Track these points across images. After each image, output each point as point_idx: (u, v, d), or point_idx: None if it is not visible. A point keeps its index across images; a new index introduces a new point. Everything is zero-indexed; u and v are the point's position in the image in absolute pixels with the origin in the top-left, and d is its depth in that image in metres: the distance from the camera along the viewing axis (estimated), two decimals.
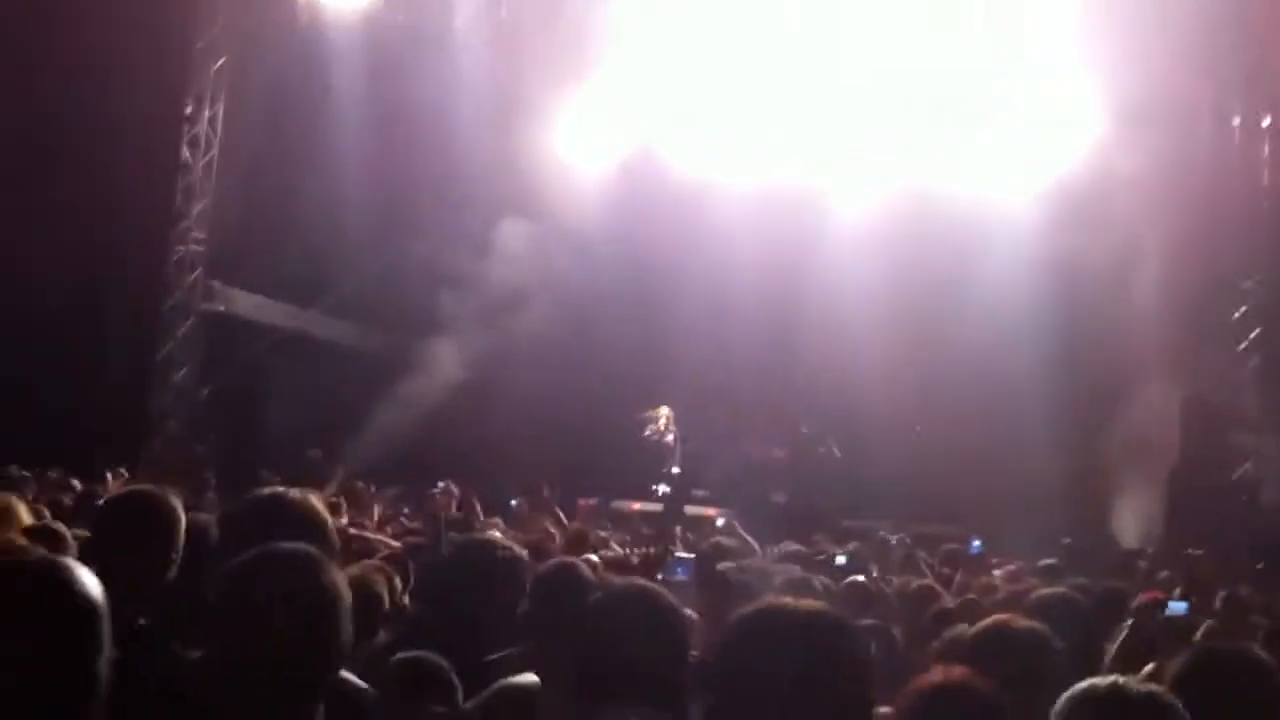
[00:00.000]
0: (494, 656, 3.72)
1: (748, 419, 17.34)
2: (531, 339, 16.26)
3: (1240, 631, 5.71)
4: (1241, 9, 14.98)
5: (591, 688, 2.79)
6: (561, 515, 11.21)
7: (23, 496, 6.05)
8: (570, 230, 16.20)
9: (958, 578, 8.13)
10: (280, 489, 3.26)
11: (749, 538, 8.37)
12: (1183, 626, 5.34)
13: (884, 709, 2.71)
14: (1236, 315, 14.87)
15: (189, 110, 16.69)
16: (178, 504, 3.57)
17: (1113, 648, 4.72)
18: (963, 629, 4.25)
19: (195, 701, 2.46)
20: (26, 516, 4.99)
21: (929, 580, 7.33)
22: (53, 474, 9.88)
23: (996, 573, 8.52)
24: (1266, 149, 15.16)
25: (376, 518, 9.54)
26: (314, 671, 2.31)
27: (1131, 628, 4.87)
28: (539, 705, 3.25)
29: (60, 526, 4.93)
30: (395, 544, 7.00)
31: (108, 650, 2.05)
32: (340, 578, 2.39)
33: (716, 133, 17.30)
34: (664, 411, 16.42)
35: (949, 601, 6.11)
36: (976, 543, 10.66)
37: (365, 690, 3.06)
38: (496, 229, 16.70)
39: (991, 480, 14.29)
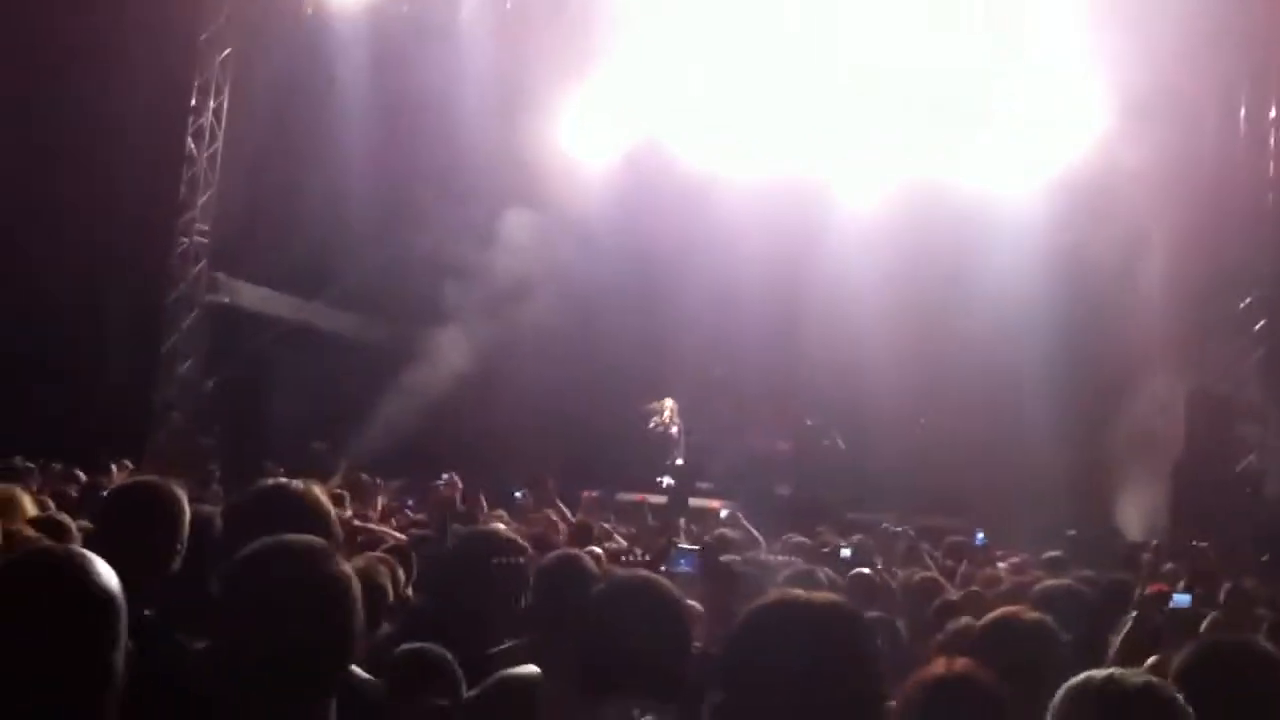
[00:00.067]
0: (497, 649, 3.72)
1: (752, 411, 17.33)
2: (535, 330, 16.26)
3: (1245, 624, 5.70)
4: (1247, 1, 14.94)
5: (594, 679, 2.79)
6: (564, 508, 11.20)
7: (27, 488, 6.05)
8: (575, 222, 16.20)
9: (961, 570, 8.13)
10: (284, 480, 3.26)
11: (753, 530, 8.37)
12: (1187, 619, 5.33)
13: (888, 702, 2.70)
14: (1242, 307, 14.83)
15: (193, 102, 16.68)
16: (182, 495, 3.57)
17: (1117, 640, 4.72)
18: (966, 621, 4.26)
19: (200, 693, 2.46)
20: (31, 508, 4.99)
21: (933, 573, 7.33)
22: (57, 466, 9.89)
23: (1001, 565, 8.52)
24: (1272, 141, 15.11)
25: (380, 509, 9.55)
26: (328, 664, 2.29)
27: (1136, 620, 4.87)
28: (541, 696, 3.25)
29: (65, 518, 4.93)
30: (400, 536, 7.00)
31: (124, 641, 2.07)
32: (349, 569, 2.39)
33: (721, 124, 17.27)
34: (668, 403, 16.41)
35: (953, 594, 6.11)
36: (980, 535, 10.65)
37: (370, 682, 3.06)
38: (501, 220, 16.70)
39: (996, 473, 14.29)
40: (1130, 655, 4.33)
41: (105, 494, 4.33)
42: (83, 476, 9.30)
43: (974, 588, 6.55)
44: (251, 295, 17.13)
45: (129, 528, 3.41)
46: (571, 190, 16.43)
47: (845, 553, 7.64)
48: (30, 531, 4.17)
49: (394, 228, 16.81)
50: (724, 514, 12.09)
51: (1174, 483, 13.68)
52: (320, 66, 16.35)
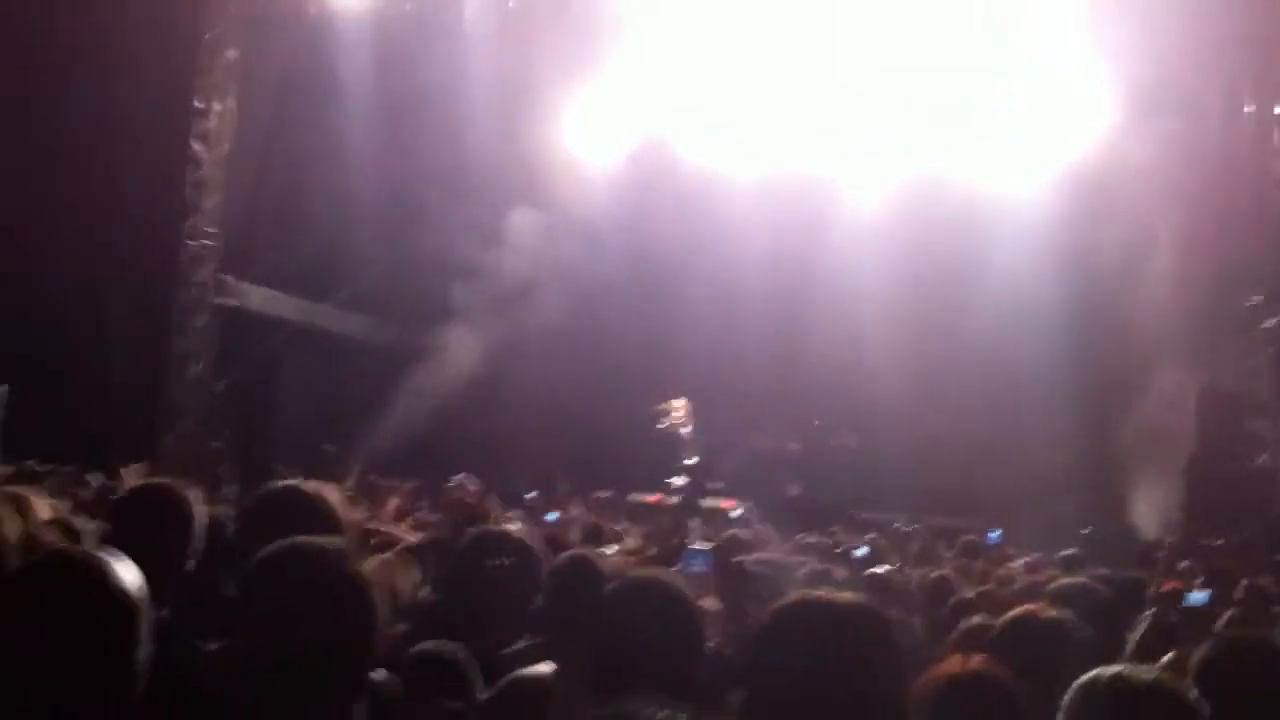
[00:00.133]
0: (510, 649, 3.71)
1: (760, 411, 17.31)
2: (541, 330, 16.28)
3: (1261, 621, 5.68)
4: None
5: (607, 679, 2.78)
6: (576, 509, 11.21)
7: (40, 491, 6.04)
8: (580, 221, 16.20)
9: (976, 568, 8.10)
10: (296, 482, 3.27)
11: (766, 530, 8.36)
12: (1203, 617, 5.32)
13: None
14: (1251, 303, 14.78)
15: (199, 104, 16.67)
16: (194, 498, 3.57)
17: (1133, 638, 4.70)
18: (979, 620, 4.24)
19: (213, 694, 2.45)
20: (45, 511, 4.99)
21: (947, 571, 7.31)
22: (69, 469, 9.89)
23: (1015, 564, 8.50)
24: (1278, 137, 15.06)
25: (392, 511, 9.54)
26: (348, 666, 2.27)
27: (1152, 618, 4.85)
28: (554, 696, 3.24)
29: (78, 521, 4.92)
30: (412, 537, 6.99)
31: (147, 643, 2.07)
32: (368, 571, 2.37)
33: (726, 123, 17.25)
34: (680, 404, 16.39)
35: (968, 592, 6.09)
36: (994, 533, 10.63)
37: (386, 681, 3.06)
38: (506, 220, 16.71)
39: (1006, 472, 14.26)
40: (1146, 653, 4.31)
41: (118, 497, 4.33)
42: (95, 480, 9.31)
43: (988, 586, 6.53)
44: (259, 297, 17.14)
45: (142, 530, 3.40)
46: (576, 189, 16.44)
47: (859, 552, 7.62)
48: (48, 533, 4.16)
49: (400, 228, 16.81)
50: (736, 514, 12.08)
51: (1187, 480, 13.64)
52: (325, 67, 16.35)
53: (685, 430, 16.12)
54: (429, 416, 15.66)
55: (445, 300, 16.61)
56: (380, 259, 17.14)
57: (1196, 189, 14.68)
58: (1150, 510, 14.16)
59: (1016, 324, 14.49)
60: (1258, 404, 14.19)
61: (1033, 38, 15.64)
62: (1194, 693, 2.43)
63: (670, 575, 3.26)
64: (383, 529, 7.25)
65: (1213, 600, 5.83)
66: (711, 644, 3.21)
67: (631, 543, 8.46)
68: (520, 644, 3.74)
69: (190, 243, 16.65)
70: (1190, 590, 6.13)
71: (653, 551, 7.56)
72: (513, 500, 11.15)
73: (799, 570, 5.31)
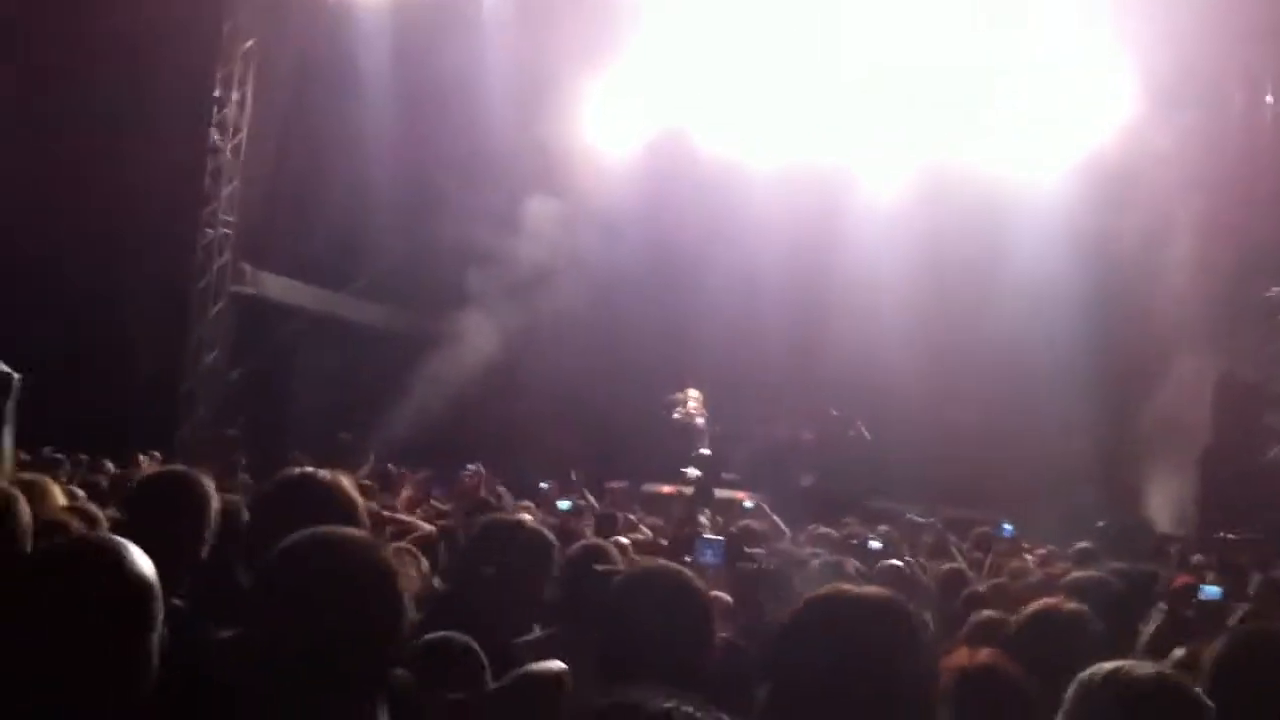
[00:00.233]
0: (523, 639, 3.71)
1: (775, 401, 17.28)
2: (557, 319, 16.28)
3: (1275, 616, 5.66)
4: None
5: (614, 668, 2.78)
6: (591, 498, 11.22)
7: (56, 478, 6.09)
8: (597, 210, 16.19)
9: (989, 561, 8.09)
10: (311, 470, 3.27)
11: (779, 521, 8.35)
12: (1217, 610, 5.30)
13: None
14: (1271, 292, 14.69)
15: (217, 93, 16.72)
16: (209, 485, 3.59)
17: (1147, 631, 4.70)
18: (989, 614, 4.24)
19: (226, 682, 2.46)
20: (61, 498, 5.02)
21: (960, 564, 7.30)
22: (85, 456, 9.96)
23: (1029, 556, 8.47)
24: None
25: (405, 499, 9.57)
26: (371, 657, 2.23)
27: (1166, 612, 4.84)
28: (564, 691, 3.25)
29: (94, 508, 4.96)
30: (427, 526, 7.01)
31: (159, 628, 2.08)
32: (393, 561, 2.35)
33: (744, 112, 17.21)
34: (693, 394, 16.37)
35: (981, 585, 6.08)
36: (1008, 526, 10.59)
37: (400, 675, 3.06)
38: (523, 209, 16.71)
39: (1021, 463, 14.21)
40: (1160, 646, 4.31)
41: (133, 484, 4.35)
42: (111, 467, 9.37)
43: (1001, 579, 6.51)
44: (277, 286, 17.19)
45: (157, 517, 3.42)
46: (594, 179, 16.43)
47: (874, 544, 7.60)
48: (65, 519, 4.19)
49: (417, 217, 16.83)
50: (748, 504, 12.07)
51: (1202, 473, 13.59)
52: (343, 55, 16.37)
53: (700, 420, 16.12)
54: (445, 405, 15.69)
55: (462, 289, 16.63)
56: (398, 247, 17.15)
57: (1217, 177, 14.59)
58: (1165, 503, 14.11)
59: (1035, 313, 14.43)
60: (1274, 396, 14.11)
61: (1054, 28, 15.55)
62: (1198, 688, 2.43)
63: (679, 567, 3.25)
64: (398, 517, 7.28)
65: (1226, 595, 5.81)
66: (723, 635, 3.21)
67: (644, 533, 8.48)
68: (533, 634, 3.75)
69: (208, 230, 16.73)
70: (1204, 584, 6.10)
71: (665, 542, 7.58)
72: (527, 490, 11.17)
73: (810, 562, 5.31)
